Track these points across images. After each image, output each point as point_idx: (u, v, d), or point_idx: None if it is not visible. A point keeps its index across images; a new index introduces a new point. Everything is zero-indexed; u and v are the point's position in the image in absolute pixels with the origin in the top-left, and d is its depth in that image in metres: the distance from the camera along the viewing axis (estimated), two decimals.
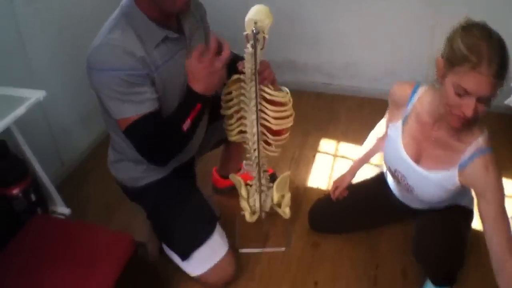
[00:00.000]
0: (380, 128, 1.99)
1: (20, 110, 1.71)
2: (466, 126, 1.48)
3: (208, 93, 1.55)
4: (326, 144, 2.82)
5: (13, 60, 2.17)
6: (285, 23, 3.12)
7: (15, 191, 1.87)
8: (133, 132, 1.57)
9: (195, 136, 1.76)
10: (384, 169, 2.02)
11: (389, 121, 1.82)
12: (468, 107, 1.37)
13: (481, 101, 1.37)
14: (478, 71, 1.31)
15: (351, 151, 2.72)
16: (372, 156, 2.12)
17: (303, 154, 2.74)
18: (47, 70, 2.40)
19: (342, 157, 2.71)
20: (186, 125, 1.55)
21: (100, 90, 1.54)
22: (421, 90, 1.67)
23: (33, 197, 1.92)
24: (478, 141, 1.52)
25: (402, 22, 2.93)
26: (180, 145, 1.64)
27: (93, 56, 1.52)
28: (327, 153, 2.75)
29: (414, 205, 1.92)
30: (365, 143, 2.10)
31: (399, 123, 1.72)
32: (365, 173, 2.21)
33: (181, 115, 1.56)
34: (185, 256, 1.79)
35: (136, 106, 1.53)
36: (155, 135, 1.56)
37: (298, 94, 3.16)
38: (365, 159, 2.13)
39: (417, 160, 1.68)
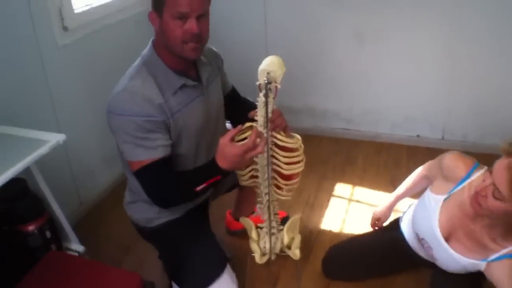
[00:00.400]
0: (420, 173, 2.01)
1: (40, 152, 1.79)
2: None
3: (231, 171, 1.64)
4: (341, 189, 2.83)
5: (39, 103, 2.31)
6: (305, 69, 3.21)
7: (31, 228, 1.94)
8: (143, 175, 1.64)
9: None
10: (401, 217, 2.04)
11: (431, 187, 1.82)
12: None
13: None
14: None
15: (367, 195, 2.73)
16: (410, 194, 2.12)
17: (318, 198, 2.76)
18: (71, 113, 2.53)
19: (357, 201, 2.71)
20: (200, 188, 1.63)
21: (117, 133, 1.64)
22: (476, 173, 1.66)
23: (48, 234, 1.99)
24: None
25: (422, 68, 2.98)
26: (188, 200, 1.77)
27: (114, 101, 1.62)
28: (342, 197, 2.76)
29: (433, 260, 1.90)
30: (406, 180, 2.11)
31: (441, 198, 1.73)
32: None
33: (199, 178, 1.64)
34: None
35: (148, 151, 1.61)
36: (165, 183, 1.64)
37: (317, 139, 3.23)
38: (402, 197, 2.14)
39: (446, 239, 1.69)
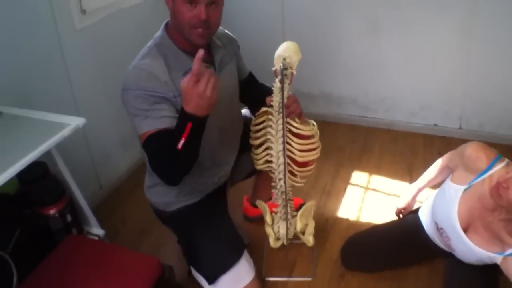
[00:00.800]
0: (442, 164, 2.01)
1: (60, 136, 1.79)
2: None
3: (199, 114, 1.54)
4: (358, 177, 2.83)
5: (57, 86, 2.33)
6: (322, 55, 3.19)
7: (52, 211, 1.96)
8: (146, 147, 1.64)
9: (224, 166, 1.92)
10: (420, 206, 2.04)
11: (451, 176, 1.82)
12: None
13: None
14: None
15: (383, 184, 2.72)
16: (432, 185, 2.11)
17: (334, 186, 2.76)
18: (89, 96, 2.54)
19: (374, 190, 2.70)
20: (180, 144, 1.55)
21: (126, 108, 1.66)
22: (497, 166, 1.66)
23: (69, 218, 2.01)
24: None
25: (438, 56, 2.94)
26: (178, 163, 1.64)
27: (125, 78, 1.65)
28: (358, 186, 2.76)
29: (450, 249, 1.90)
30: (427, 171, 2.11)
31: (461, 188, 1.72)
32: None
33: (176, 134, 1.57)
34: (212, 280, 1.82)
35: (153, 121, 1.61)
36: (157, 154, 1.63)
37: (333, 126, 3.21)
38: (424, 188, 2.13)
39: (465, 229, 1.69)
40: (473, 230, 1.69)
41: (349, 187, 2.74)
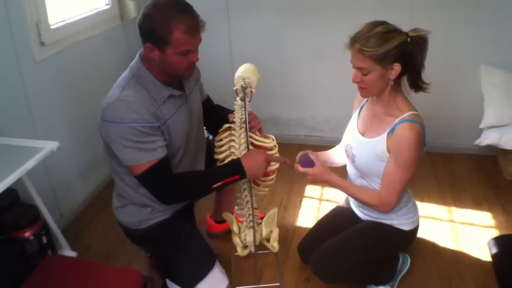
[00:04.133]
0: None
1: (36, 159, 1.84)
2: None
3: (248, 175, 1.85)
4: (311, 190, 3.00)
5: (19, 117, 2.36)
6: (271, 82, 3.37)
7: (27, 234, 1.99)
8: (149, 176, 1.76)
9: None
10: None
11: (353, 111, 2.12)
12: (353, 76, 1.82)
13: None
14: None
15: (335, 195, 2.89)
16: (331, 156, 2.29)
17: (290, 200, 2.92)
18: (50, 127, 2.56)
19: (327, 200, 2.89)
20: (216, 185, 1.82)
21: (117, 140, 1.73)
22: None
23: (44, 240, 2.03)
24: (404, 115, 1.79)
25: None
26: (201, 196, 1.97)
27: (110, 110, 1.71)
28: (313, 198, 2.93)
29: (360, 213, 2.15)
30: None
31: (357, 110, 2.06)
32: None
33: (218, 175, 1.83)
34: None
35: (150, 153, 1.73)
36: (172, 179, 1.81)
37: (283, 147, 3.32)
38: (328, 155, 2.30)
39: (363, 134, 1.96)
40: (368, 131, 1.94)
41: (304, 200, 2.91)
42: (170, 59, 1.71)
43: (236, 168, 1.82)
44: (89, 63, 2.88)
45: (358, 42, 1.71)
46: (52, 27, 2.55)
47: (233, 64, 3.37)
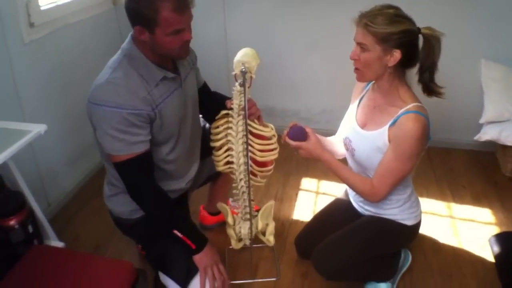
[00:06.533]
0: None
1: (21, 143, 1.75)
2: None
3: (199, 262, 1.82)
4: (307, 183, 2.93)
5: (5, 100, 2.25)
6: (265, 72, 3.28)
7: (12, 222, 1.89)
8: (123, 169, 1.69)
9: (191, 171, 1.99)
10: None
11: (351, 102, 2.05)
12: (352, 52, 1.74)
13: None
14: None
15: (332, 188, 2.84)
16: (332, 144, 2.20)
17: (286, 192, 2.84)
18: (37, 111, 2.47)
19: (324, 193, 2.82)
20: (176, 232, 1.79)
21: (98, 124, 1.63)
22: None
23: (30, 229, 1.94)
24: (409, 107, 1.72)
25: None
26: (152, 222, 1.84)
27: (97, 92, 1.62)
28: (309, 191, 2.86)
29: (360, 208, 2.09)
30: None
31: (356, 102, 1.98)
32: None
33: (184, 228, 1.82)
34: (184, 283, 1.83)
35: (128, 146, 1.64)
36: (135, 186, 1.74)
37: (278, 138, 3.28)
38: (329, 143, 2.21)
39: (362, 126, 1.89)
40: (369, 123, 1.86)
41: (300, 193, 2.84)
42: (161, 40, 1.61)
43: (198, 241, 1.84)
44: (79, 47, 2.78)
45: (366, 17, 1.66)
46: (42, 8, 2.45)
47: (228, 53, 3.28)
